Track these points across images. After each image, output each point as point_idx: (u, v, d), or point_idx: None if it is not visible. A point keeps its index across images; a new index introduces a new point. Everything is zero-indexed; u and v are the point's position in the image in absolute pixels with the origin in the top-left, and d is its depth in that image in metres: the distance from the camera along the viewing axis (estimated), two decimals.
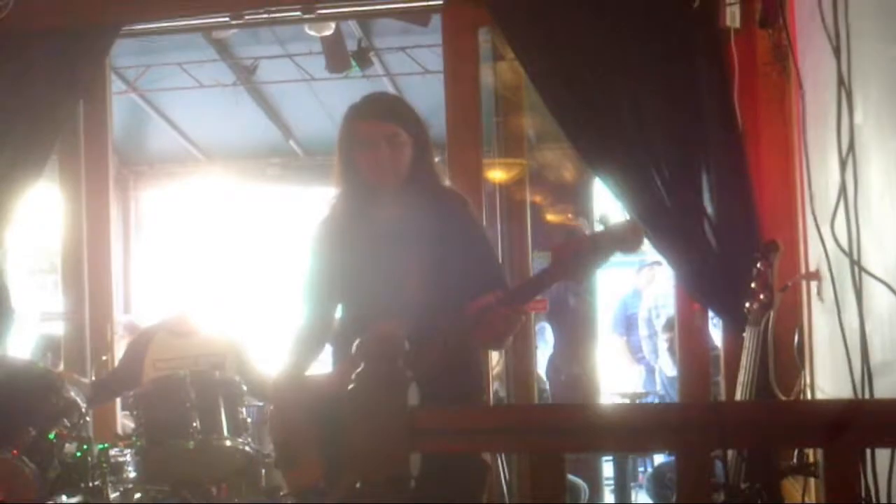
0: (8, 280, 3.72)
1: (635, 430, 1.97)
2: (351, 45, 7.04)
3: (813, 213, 2.96)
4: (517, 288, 3.14)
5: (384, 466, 2.09)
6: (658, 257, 7.50)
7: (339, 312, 3.43)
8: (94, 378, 5.16)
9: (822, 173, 3.27)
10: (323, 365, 3.47)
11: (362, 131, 3.23)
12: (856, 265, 2.58)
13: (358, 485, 2.17)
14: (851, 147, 2.59)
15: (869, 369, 2.51)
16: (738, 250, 4.55)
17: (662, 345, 7.95)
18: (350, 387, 2.13)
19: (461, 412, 2.17)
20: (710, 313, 5.00)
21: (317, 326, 3.38)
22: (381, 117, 3.24)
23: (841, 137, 2.61)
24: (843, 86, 2.61)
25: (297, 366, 3.33)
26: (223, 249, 9.08)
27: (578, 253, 2.87)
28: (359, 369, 2.13)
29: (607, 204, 8.32)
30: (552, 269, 2.92)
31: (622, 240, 2.87)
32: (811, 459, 3.22)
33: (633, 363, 8.61)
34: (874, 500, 2.26)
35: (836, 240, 2.67)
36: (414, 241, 3.19)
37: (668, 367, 7.87)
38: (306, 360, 3.35)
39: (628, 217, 4.45)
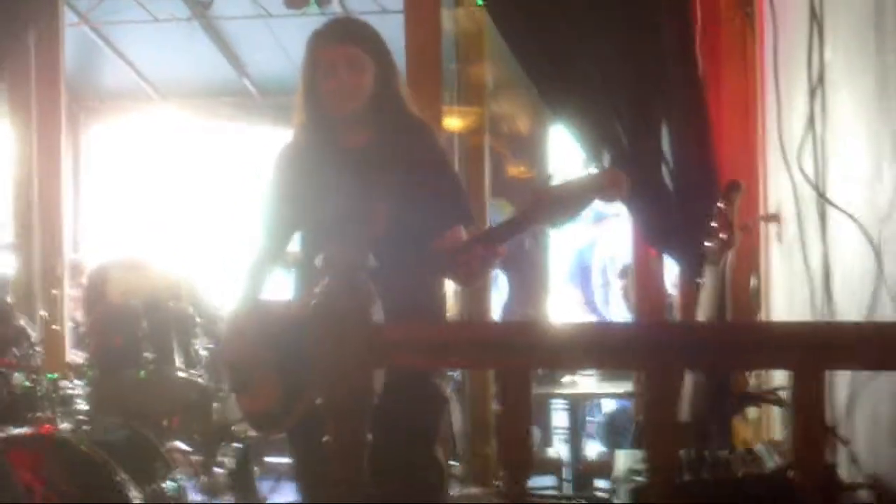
0: None
1: (602, 346, 1.96)
2: None
3: (781, 144, 2.96)
4: (494, 228, 3.10)
5: (345, 382, 2.06)
6: (616, 209, 7.54)
7: (294, 241, 3.39)
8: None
9: (788, 112, 3.27)
10: (278, 293, 3.44)
11: (323, 56, 3.16)
12: (821, 196, 2.58)
13: (318, 401, 2.15)
14: (821, 79, 2.59)
15: (831, 299, 2.52)
16: (696, 196, 4.56)
17: (616, 293, 7.96)
18: (313, 301, 2.10)
19: (428, 327, 2.15)
20: (666, 259, 5.01)
21: (271, 253, 3.35)
22: (341, 41, 3.17)
23: (812, 70, 2.61)
24: (815, 18, 2.60)
25: (252, 291, 3.29)
26: (174, 187, 8.97)
27: (559, 197, 2.81)
28: (323, 282, 2.09)
29: (563, 154, 8.35)
30: (532, 212, 2.85)
31: (603, 187, 2.81)
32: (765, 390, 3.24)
33: (588, 314, 8.62)
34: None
35: (802, 171, 2.68)
36: (378, 168, 3.13)
37: (619, 316, 7.88)
38: (260, 286, 3.32)
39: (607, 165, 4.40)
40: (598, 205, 2.97)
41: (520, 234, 3.00)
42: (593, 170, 4.54)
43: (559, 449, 6.49)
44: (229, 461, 4.72)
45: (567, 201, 2.81)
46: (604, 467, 5.48)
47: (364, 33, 3.22)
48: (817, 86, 2.66)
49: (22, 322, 4.40)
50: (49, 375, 4.17)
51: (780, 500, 2.38)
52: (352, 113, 3.17)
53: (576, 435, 6.00)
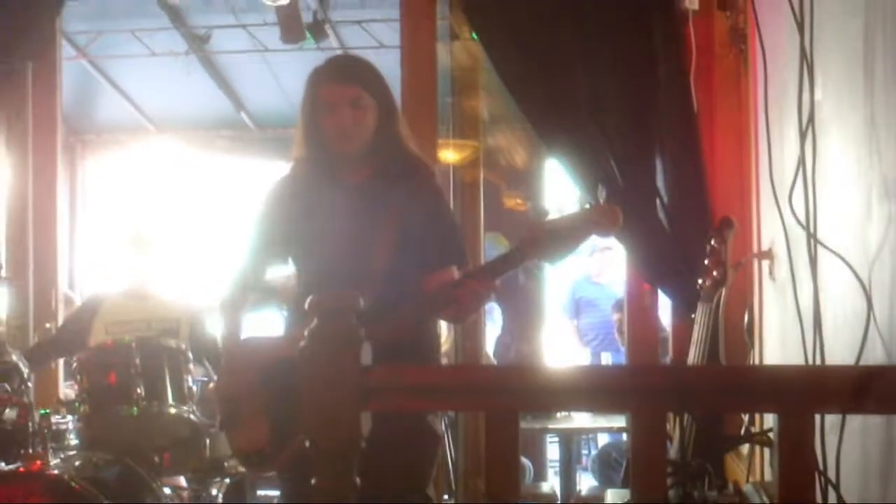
0: None
1: (591, 390, 1.95)
2: (306, 17, 6.98)
3: (772, 184, 2.96)
4: (487, 264, 3.09)
5: (332, 425, 2.05)
6: (608, 242, 7.54)
7: (271, 271, 3.39)
8: (36, 340, 5.10)
9: (779, 151, 3.28)
10: (270, 327, 3.44)
11: (325, 94, 3.15)
12: (812, 238, 2.58)
13: (307, 444, 2.14)
14: (811, 120, 2.60)
15: (822, 341, 2.51)
16: (689, 231, 4.58)
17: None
18: (301, 344, 2.09)
19: (416, 370, 2.14)
20: (660, 294, 5.01)
21: (250, 279, 3.34)
22: (344, 80, 3.16)
23: (802, 110, 2.61)
24: (806, 59, 2.61)
25: (237, 324, 3.28)
26: (172, 219, 8.98)
27: (555, 233, 2.81)
28: (311, 325, 2.09)
29: (559, 188, 8.36)
30: (525, 248, 2.85)
31: (598, 222, 2.80)
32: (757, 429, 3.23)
33: (581, 347, 8.62)
34: (823, 467, 2.26)
35: (793, 212, 2.68)
36: (376, 208, 3.14)
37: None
38: (242, 315, 3.31)
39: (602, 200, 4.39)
40: (592, 238, 2.97)
41: (514, 269, 3.00)
42: (588, 204, 4.55)
43: (553, 483, 6.47)
44: (222, 496, 4.69)
45: (563, 237, 2.80)
46: (596, 502, 5.47)
47: (366, 72, 3.22)
48: (807, 126, 2.66)
49: (14, 357, 4.37)
50: (41, 412, 4.15)
51: None
52: (350, 151, 3.17)
53: (569, 469, 5.97)
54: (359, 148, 3.16)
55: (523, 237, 2.90)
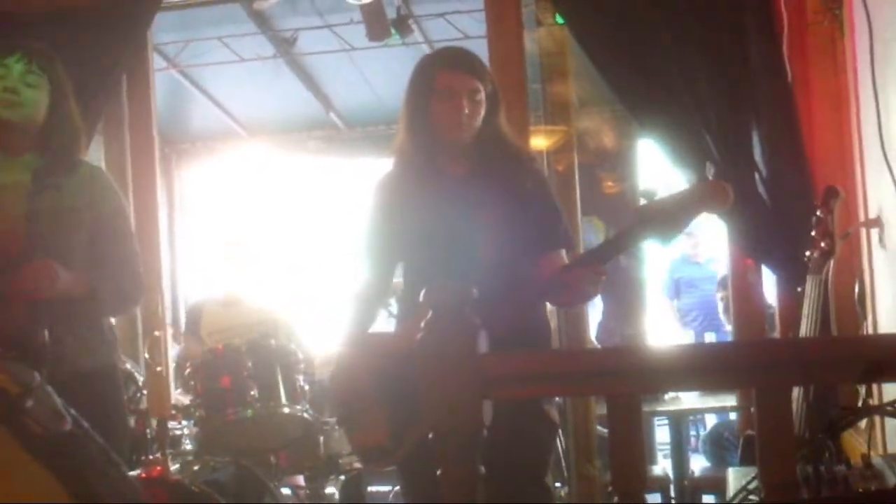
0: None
1: (713, 368, 1.93)
2: (391, 14, 7.01)
3: (883, 149, 2.90)
4: (598, 247, 3.05)
5: (455, 415, 2.06)
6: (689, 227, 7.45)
7: (398, 270, 3.40)
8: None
9: (886, 112, 3.21)
10: (384, 325, 3.46)
11: (445, 81, 3.16)
12: None
13: (430, 435, 2.15)
14: None
15: None
16: (791, 203, 4.51)
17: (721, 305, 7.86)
18: (418, 336, 2.10)
19: (533, 357, 2.14)
20: (764, 269, 4.94)
21: (377, 284, 3.34)
22: (465, 70, 3.17)
23: None
24: None
25: (358, 326, 3.30)
26: (266, 223, 9.09)
27: (664, 212, 2.77)
28: (427, 318, 2.10)
29: (650, 168, 8.31)
30: (636, 229, 2.80)
31: (708, 199, 2.76)
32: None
33: (682, 328, 8.55)
34: None
35: None
36: (482, 198, 3.14)
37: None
38: (368, 319, 3.33)
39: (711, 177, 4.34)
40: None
41: (624, 252, 2.96)
42: (695, 182, 4.50)
43: (664, 465, 6.41)
44: (337, 494, 4.74)
45: (673, 215, 2.76)
46: (710, 483, 5.40)
47: (482, 66, 3.24)
48: None
49: (128, 366, 4.47)
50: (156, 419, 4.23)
51: None
52: (459, 141, 3.18)
53: (679, 451, 5.91)
54: (466, 139, 3.17)
55: (631, 219, 2.86)
